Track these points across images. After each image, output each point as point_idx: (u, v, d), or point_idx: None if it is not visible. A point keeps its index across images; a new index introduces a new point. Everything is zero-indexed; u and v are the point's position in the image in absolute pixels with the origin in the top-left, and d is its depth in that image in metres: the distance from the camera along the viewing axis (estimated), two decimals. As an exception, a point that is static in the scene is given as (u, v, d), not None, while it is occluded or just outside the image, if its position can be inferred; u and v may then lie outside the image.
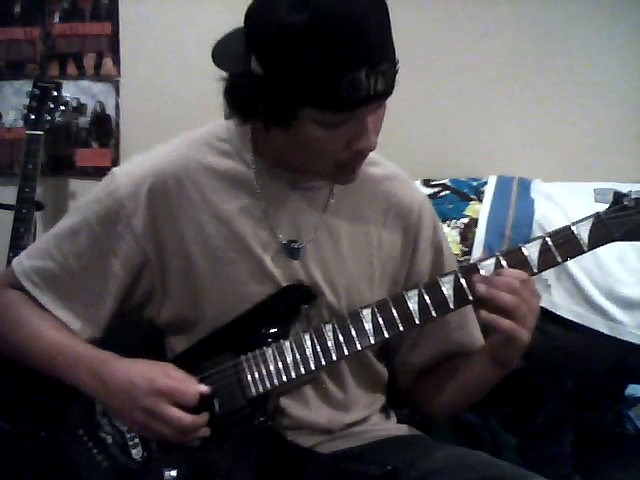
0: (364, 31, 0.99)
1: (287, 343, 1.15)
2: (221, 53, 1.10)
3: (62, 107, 2.31)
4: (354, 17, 0.98)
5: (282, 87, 1.03)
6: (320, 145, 1.08)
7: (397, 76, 1.07)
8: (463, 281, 1.12)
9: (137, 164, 1.22)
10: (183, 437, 1.11)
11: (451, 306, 1.13)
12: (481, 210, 1.92)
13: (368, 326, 1.13)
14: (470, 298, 1.13)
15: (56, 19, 2.39)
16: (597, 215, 1.12)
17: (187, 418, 1.09)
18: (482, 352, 1.23)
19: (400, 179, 1.31)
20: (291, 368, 1.14)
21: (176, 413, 1.09)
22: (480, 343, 1.32)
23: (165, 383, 1.10)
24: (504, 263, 1.12)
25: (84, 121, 2.42)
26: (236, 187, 1.20)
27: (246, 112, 1.13)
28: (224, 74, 1.11)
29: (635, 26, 2.15)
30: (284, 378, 1.14)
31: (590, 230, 1.12)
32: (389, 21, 1.04)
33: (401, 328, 1.13)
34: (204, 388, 1.13)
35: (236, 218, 1.19)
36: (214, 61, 1.09)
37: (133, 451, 1.17)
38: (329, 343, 1.14)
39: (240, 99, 1.11)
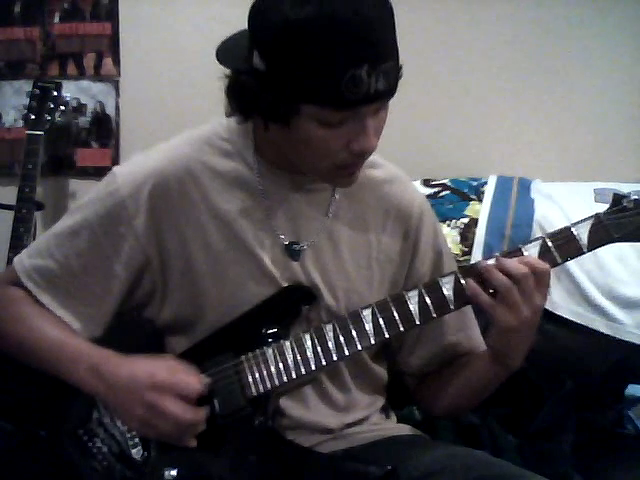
0: (367, 28, 0.99)
1: (287, 343, 1.15)
2: (225, 51, 1.10)
3: (62, 107, 2.30)
4: (358, 14, 0.98)
5: (283, 82, 1.03)
6: (319, 144, 1.07)
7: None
8: (463, 282, 1.12)
9: (138, 164, 1.21)
10: (181, 434, 1.10)
11: (451, 307, 1.13)
12: (481, 210, 1.91)
13: (368, 326, 1.13)
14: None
15: (56, 19, 2.38)
16: (597, 216, 1.12)
17: (187, 414, 1.09)
18: (484, 352, 1.23)
19: (400, 181, 1.31)
20: (291, 368, 1.14)
21: (176, 408, 1.08)
22: (479, 344, 1.32)
23: (166, 377, 1.10)
24: (504, 264, 1.12)
25: (84, 121, 2.42)
26: (237, 188, 1.20)
27: (247, 109, 1.13)
28: (226, 72, 1.11)
29: (635, 26, 2.15)
30: (284, 378, 1.14)
31: (590, 231, 1.12)
32: (394, 22, 1.04)
33: (401, 328, 1.14)
34: (205, 380, 1.12)
35: (237, 219, 1.19)
36: (218, 58, 1.09)
37: (133, 451, 1.17)
38: (329, 343, 1.14)
39: (241, 95, 1.11)
